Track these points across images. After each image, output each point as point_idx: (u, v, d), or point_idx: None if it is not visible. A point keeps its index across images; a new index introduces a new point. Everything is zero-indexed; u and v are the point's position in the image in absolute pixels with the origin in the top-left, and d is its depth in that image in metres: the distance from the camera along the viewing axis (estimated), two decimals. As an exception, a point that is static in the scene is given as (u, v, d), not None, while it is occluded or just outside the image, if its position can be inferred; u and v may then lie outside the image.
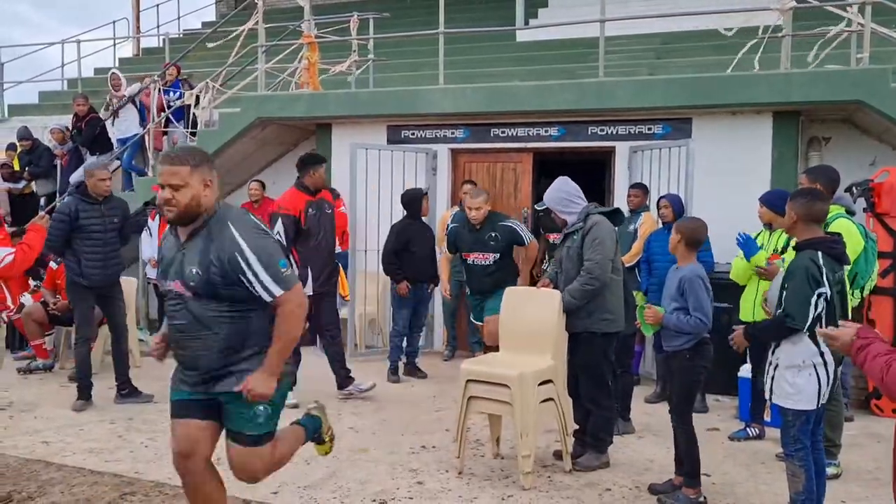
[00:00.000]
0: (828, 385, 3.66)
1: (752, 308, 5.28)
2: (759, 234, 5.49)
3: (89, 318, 6.14)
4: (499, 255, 6.19)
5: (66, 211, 5.93)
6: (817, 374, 3.62)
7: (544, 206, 4.74)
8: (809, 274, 3.57)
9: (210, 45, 10.41)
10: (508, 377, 4.39)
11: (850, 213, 5.13)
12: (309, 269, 6.13)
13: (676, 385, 4.31)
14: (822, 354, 3.62)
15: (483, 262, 6.22)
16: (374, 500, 4.22)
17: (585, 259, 4.55)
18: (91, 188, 5.99)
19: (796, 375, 3.63)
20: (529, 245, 6.34)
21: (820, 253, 3.62)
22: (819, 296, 3.57)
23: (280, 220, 5.98)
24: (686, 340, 4.16)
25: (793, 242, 3.96)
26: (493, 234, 6.18)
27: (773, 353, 3.78)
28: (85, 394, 6.08)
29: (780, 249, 5.20)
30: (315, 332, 6.61)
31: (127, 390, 6.25)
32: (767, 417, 5.41)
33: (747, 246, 5.14)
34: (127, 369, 6.31)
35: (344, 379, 6.37)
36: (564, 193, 4.74)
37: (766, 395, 3.84)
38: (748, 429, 5.44)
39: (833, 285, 3.62)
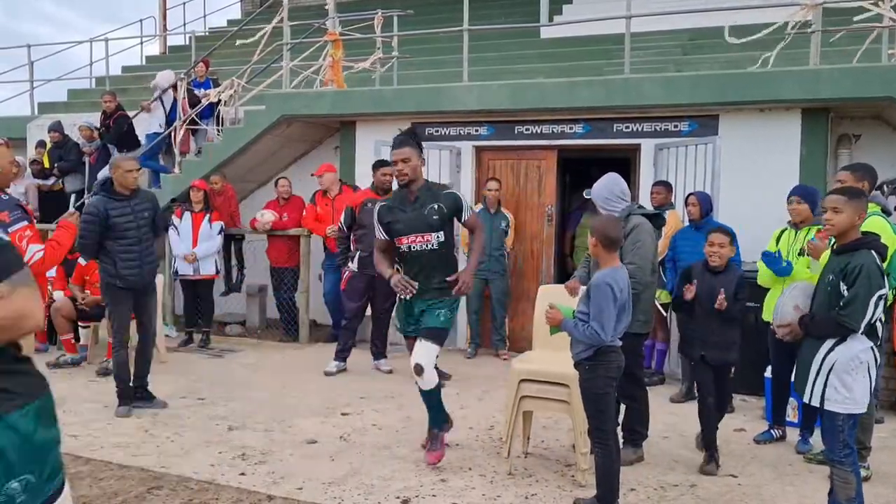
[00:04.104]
0: (875, 383, 3.58)
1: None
2: (782, 232, 5.34)
3: (126, 322, 5.85)
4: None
5: (94, 211, 5.58)
6: (869, 373, 3.55)
7: (590, 196, 4.75)
8: (872, 275, 3.49)
9: (237, 42, 10.49)
10: (569, 376, 4.32)
11: (886, 212, 5.04)
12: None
13: (583, 400, 3.99)
14: (873, 352, 3.53)
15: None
16: (398, 497, 4.23)
17: (627, 262, 4.50)
18: (118, 181, 5.67)
19: (852, 378, 3.54)
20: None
21: (873, 252, 3.56)
22: (880, 297, 3.50)
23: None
24: (584, 349, 3.87)
25: (832, 243, 3.86)
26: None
27: (826, 355, 3.62)
28: (126, 399, 5.85)
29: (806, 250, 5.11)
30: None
31: (140, 394, 5.98)
32: (793, 418, 5.36)
33: (774, 264, 5.02)
34: (146, 374, 6.03)
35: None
36: (610, 191, 4.70)
37: (817, 402, 3.65)
38: (772, 430, 5.38)
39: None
